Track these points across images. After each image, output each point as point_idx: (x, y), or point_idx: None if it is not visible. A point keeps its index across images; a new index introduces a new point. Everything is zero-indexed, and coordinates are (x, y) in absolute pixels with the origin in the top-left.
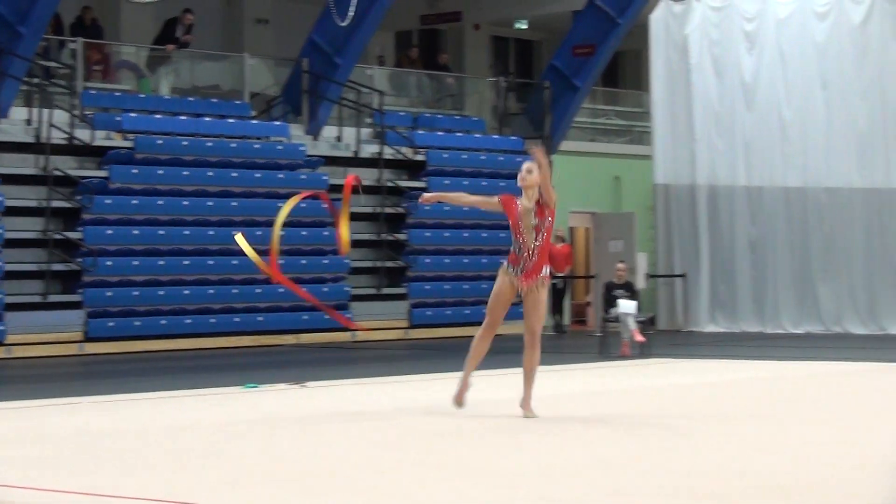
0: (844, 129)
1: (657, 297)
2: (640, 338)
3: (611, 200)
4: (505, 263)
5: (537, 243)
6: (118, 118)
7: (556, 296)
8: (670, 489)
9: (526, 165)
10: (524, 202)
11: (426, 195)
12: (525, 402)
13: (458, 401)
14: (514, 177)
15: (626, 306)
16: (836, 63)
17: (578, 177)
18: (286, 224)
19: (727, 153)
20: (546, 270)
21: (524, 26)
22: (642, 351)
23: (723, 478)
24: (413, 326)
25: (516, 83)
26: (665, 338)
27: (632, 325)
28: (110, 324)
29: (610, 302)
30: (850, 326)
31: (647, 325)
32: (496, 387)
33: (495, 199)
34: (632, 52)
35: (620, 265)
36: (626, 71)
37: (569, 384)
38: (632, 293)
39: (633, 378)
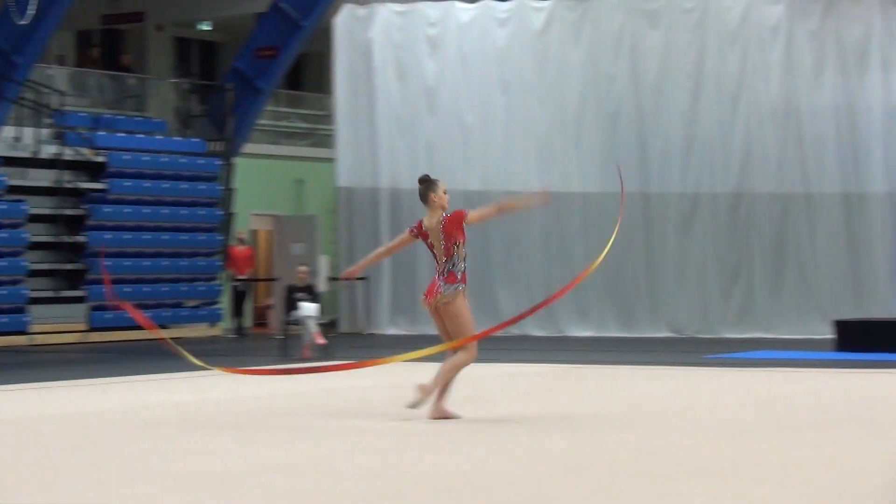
0: (524, 134)
1: (339, 299)
2: (321, 340)
3: (293, 203)
4: (460, 287)
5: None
6: None
7: (238, 298)
8: (354, 492)
9: (444, 185)
10: (432, 221)
11: (350, 271)
12: None
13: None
14: (197, 179)
15: (308, 309)
16: (517, 68)
17: (260, 179)
18: None
19: (409, 156)
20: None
21: (207, 28)
22: (323, 353)
23: (405, 479)
24: (92, 329)
25: (199, 85)
26: (346, 340)
27: (313, 327)
28: None
29: (291, 304)
30: (529, 328)
31: (328, 327)
32: (187, 390)
33: (407, 233)
34: (315, 56)
35: (302, 268)
36: (309, 74)
37: (250, 387)
38: (313, 296)
39: (314, 380)
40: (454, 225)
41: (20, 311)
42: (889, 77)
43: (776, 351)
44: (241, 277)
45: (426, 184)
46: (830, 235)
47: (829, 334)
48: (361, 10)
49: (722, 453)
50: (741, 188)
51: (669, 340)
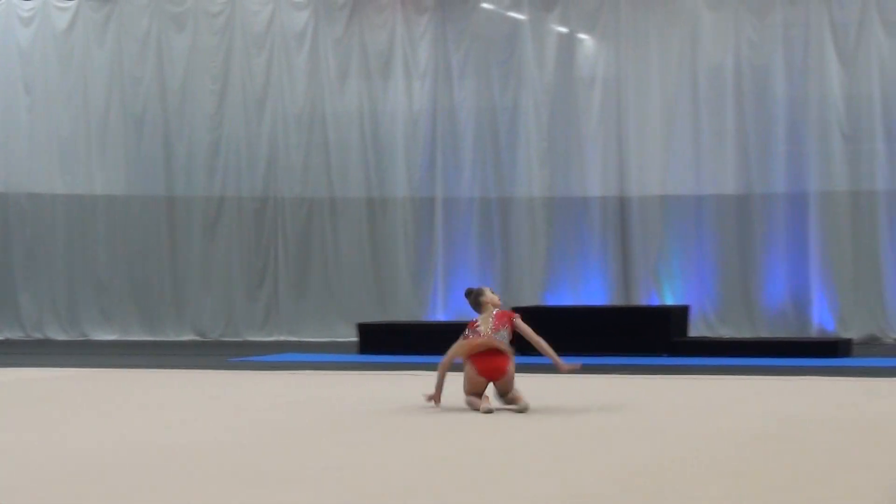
0: (47, 135)
1: None
2: None
3: None
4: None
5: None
6: None
7: None
8: None
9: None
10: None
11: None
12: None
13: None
14: None
15: None
16: (41, 68)
17: None
18: None
19: None
20: None
21: None
22: None
23: None
24: None
25: None
26: None
27: None
28: None
29: None
30: (52, 333)
31: None
32: None
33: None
34: None
35: None
36: None
37: None
38: None
39: None
40: (505, 318)
41: None
42: (411, 83)
43: (301, 353)
44: None
45: (476, 293)
46: (354, 240)
47: (353, 337)
48: None
49: (254, 457)
50: (267, 192)
51: (194, 344)
